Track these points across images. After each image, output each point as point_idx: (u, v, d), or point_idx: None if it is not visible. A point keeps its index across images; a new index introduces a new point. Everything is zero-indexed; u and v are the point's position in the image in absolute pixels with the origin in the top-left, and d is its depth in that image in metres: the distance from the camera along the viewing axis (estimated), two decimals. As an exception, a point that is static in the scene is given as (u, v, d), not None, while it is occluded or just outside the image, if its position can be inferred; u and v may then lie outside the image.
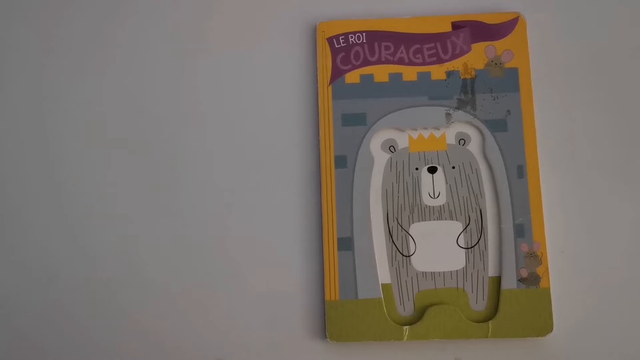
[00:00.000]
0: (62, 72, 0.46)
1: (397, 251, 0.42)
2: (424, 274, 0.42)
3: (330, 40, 0.45)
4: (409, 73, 0.44)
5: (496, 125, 0.43)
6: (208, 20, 0.46)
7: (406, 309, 0.42)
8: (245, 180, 0.44)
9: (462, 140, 0.43)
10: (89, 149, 0.45)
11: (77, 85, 0.46)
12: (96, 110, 0.46)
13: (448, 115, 0.43)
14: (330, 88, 0.44)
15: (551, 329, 0.40)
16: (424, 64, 0.44)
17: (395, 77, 0.44)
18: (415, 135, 0.43)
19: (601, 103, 0.44)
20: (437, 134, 0.43)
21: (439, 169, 0.43)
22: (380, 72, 0.44)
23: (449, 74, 0.44)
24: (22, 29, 0.47)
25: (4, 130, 0.46)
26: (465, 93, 0.43)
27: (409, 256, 0.42)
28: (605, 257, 0.42)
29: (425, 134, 0.43)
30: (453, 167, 0.43)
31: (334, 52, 0.44)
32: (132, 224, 0.44)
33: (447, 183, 0.43)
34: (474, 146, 0.43)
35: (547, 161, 0.43)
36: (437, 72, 0.44)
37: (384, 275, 0.42)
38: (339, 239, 0.42)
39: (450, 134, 0.43)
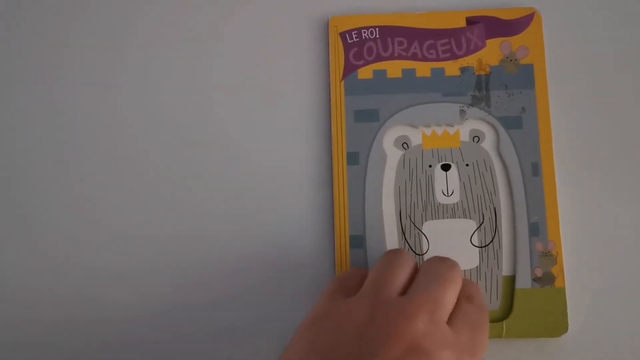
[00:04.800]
0: (77, 72, 0.46)
1: (410, 249, 0.42)
2: (437, 272, 0.41)
3: (342, 35, 0.44)
4: (423, 69, 0.43)
5: (511, 122, 0.42)
6: (220, 16, 0.46)
7: (419, 308, 0.41)
8: (257, 176, 0.44)
9: (477, 137, 0.43)
10: (106, 147, 0.45)
11: (91, 84, 0.45)
12: (112, 108, 0.45)
13: (462, 112, 0.43)
14: (342, 84, 0.43)
15: (566, 329, 0.40)
16: (437, 59, 0.43)
17: (409, 73, 0.43)
18: (428, 132, 0.43)
19: (618, 100, 0.43)
20: (451, 130, 0.43)
21: (453, 166, 0.42)
22: (394, 68, 0.43)
23: (463, 70, 0.43)
24: (37, 32, 0.46)
25: (20, 130, 0.45)
26: (479, 89, 0.43)
27: (421, 255, 0.42)
28: (622, 257, 0.41)
29: (439, 130, 0.43)
30: (467, 165, 0.42)
31: (347, 47, 0.44)
32: (141, 222, 0.44)
33: (460, 181, 0.42)
34: (488, 143, 0.43)
35: (563, 159, 0.42)
36: (451, 68, 0.43)
37: (396, 273, 0.41)
38: (350, 237, 0.42)
39: (464, 131, 0.43)
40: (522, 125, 0.42)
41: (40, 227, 0.44)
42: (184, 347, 0.42)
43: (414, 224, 0.42)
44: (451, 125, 0.43)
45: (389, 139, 0.43)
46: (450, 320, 0.34)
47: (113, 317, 0.43)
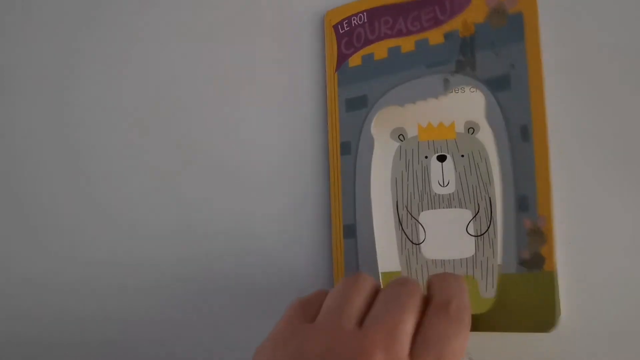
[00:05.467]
0: (77, 76, 0.49)
1: (407, 239, 0.40)
2: (434, 261, 0.39)
3: (335, 27, 0.43)
4: (407, 44, 0.40)
5: (498, 84, 0.37)
6: (219, 10, 0.47)
7: (415, 297, 0.38)
8: (257, 174, 0.44)
9: (471, 129, 0.39)
10: (107, 148, 0.48)
11: (92, 86, 0.49)
12: (114, 107, 0.48)
13: (446, 81, 0.39)
14: (336, 75, 0.43)
15: (556, 323, 0.33)
16: (421, 30, 0.40)
17: (394, 51, 0.41)
18: (424, 123, 0.40)
19: (622, 51, 0.35)
20: (447, 122, 0.40)
21: (448, 157, 0.40)
22: (380, 49, 0.41)
23: (447, 35, 0.39)
24: (45, 25, 0.51)
25: (25, 130, 0.50)
26: (464, 53, 0.38)
27: (418, 244, 0.39)
28: (623, 237, 0.33)
29: (435, 122, 0.40)
30: (462, 156, 0.39)
31: (339, 38, 0.43)
32: (141, 213, 0.46)
33: (456, 171, 0.39)
34: (479, 111, 0.38)
35: (557, 121, 0.35)
36: (435, 36, 0.39)
37: (393, 262, 0.40)
38: (344, 226, 0.41)
39: (459, 123, 0.39)
40: (510, 84, 0.36)
41: (44, 224, 0.48)
42: (182, 348, 0.44)
43: (410, 214, 0.40)
44: (436, 97, 0.39)
45: (376, 123, 0.41)
46: (414, 342, 0.30)
47: (113, 320, 0.46)
